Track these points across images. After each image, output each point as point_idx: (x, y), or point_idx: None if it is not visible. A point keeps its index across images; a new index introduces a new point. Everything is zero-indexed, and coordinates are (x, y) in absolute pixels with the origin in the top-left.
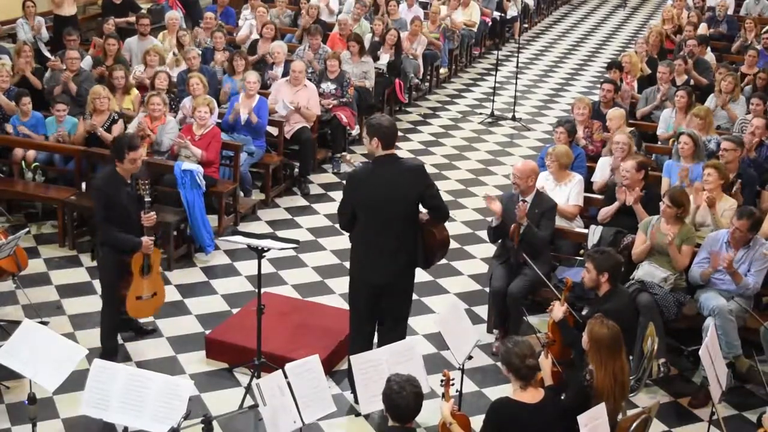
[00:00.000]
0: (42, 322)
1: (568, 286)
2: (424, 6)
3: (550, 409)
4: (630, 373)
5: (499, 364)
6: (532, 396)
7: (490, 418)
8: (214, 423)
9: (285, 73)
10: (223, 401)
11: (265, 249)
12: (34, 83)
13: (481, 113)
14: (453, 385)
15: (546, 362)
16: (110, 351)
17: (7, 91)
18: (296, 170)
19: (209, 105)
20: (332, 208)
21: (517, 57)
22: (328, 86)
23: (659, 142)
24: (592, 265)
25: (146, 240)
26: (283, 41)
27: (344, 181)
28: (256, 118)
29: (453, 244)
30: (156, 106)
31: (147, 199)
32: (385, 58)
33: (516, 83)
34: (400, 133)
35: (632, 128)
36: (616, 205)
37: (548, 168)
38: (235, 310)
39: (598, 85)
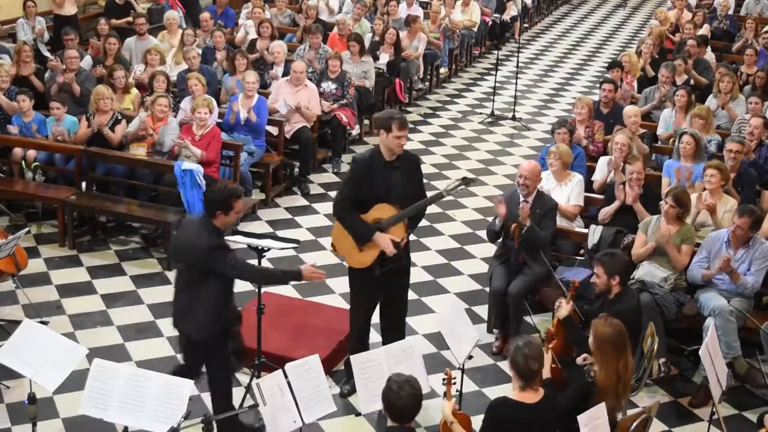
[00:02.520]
0: (42, 322)
1: (575, 287)
2: (425, 6)
3: (549, 409)
4: (632, 370)
5: (500, 363)
6: (532, 396)
7: (489, 418)
8: (214, 423)
9: (285, 73)
10: None
11: (266, 249)
12: (36, 85)
13: (481, 113)
14: (454, 384)
15: (546, 357)
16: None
17: (8, 91)
18: (296, 170)
19: (209, 105)
20: (332, 208)
21: (517, 57)
22: (329, 86)
23: (659, 142)
24: (602, 270)
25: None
26: (283, 41)
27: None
28: (255, 116)
29: (453, 244)
30: (163, 107)
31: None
32: (384, 57)
33: (516, 83)
34: None
35: (645, 130)
36: (616, 204)
37: (551, 167)
38: None
39: (598, 85)
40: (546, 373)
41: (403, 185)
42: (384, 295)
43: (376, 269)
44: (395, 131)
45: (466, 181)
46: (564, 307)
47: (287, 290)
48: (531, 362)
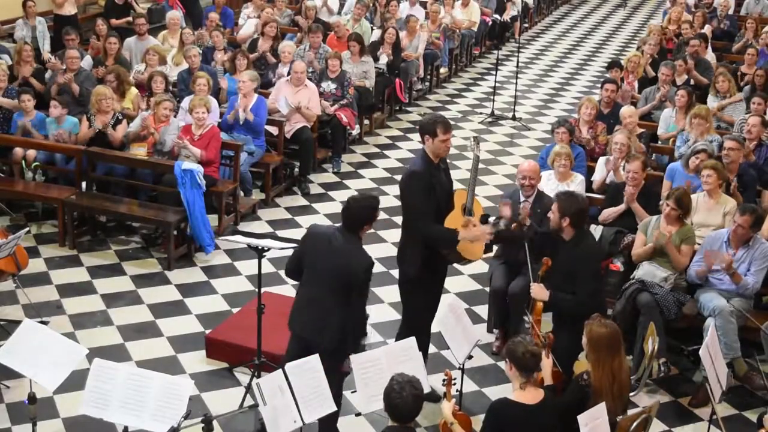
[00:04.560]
0: (42, 322)
1: (547, 266)
2: (426, 6)
3: (549, 410)
4: (630, 372)
5: (500, 363)
6: (532, 397)
7: (490, 419)
8: (215, 423)
9: (290, 73)
10: (223, 401)
11: (266, 248)
12: (36, 87)
13: (481, 113)
14: (454, 384)
15: (547, 362)
16: None
17: (7, 90)
18: (296, 170)
19: (206, 105)
20: (332, 207)
21: (517, 57)
22: (329, 85)
23: (659, 142)
24: (556, 207)
25: None
26: (290, 42)
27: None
28: (252, 115)
29: None
30: (168, 110)
31: None
32: (384, 57)
33: (516, 83)
34: (399, 133)
35: (643, 129)
36: (621, 207)
37: (562, 168)
38: (235, 310)
39: (598, 85)
40: (548, 379)
41: (448, 184)
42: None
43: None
44: (441, 135)
45: (477, 140)
46: (539, 290)
47: (287, 290)
48: (531, 351)
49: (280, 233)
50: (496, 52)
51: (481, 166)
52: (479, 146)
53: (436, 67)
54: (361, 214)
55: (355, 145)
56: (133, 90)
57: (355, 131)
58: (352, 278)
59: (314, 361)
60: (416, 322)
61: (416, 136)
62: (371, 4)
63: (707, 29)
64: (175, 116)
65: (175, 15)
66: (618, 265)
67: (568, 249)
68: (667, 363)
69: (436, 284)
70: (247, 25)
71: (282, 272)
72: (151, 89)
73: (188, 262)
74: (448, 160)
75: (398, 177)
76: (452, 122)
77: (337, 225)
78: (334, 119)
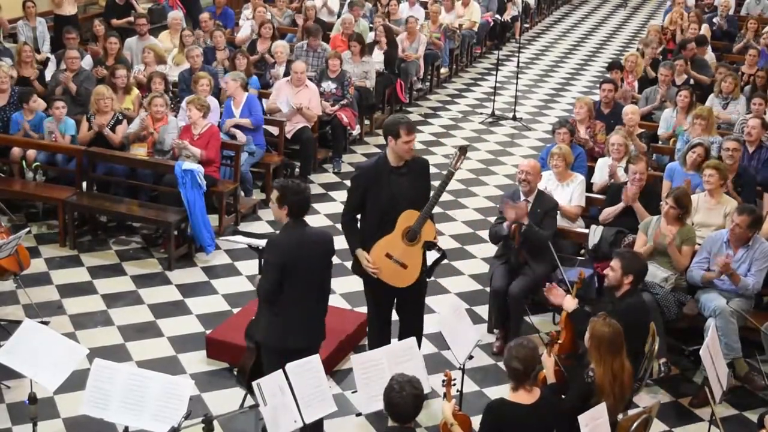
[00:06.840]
0: (43, 322)
1: (581, 280)
2: (426, 6)
3: (546, 409)
4: (632, 373)
5: (500, 364)
6: (529, 396)
7: (487, 419)
8: (215, 423)
9: (287, 73)
10: (223, 401)
11: None
12: (37, 89)
13: (481, 113)
14: (454, 385)
15: (549, 361)
16: None
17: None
18: (297, 170)
19: (202, 106)
20: (333, 207)
21: (518, 57)
22: (329, 85)
23: (660, 142)
24: (619, 264)
25: None
26: (284, 41)
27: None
28: (248, 121)
29: (454, 244)
30: (159, 107)
31: None
32: (378, 55)
33: (516, 83)
34: None
35: (643, 130)
36: (620, 206)
37: (555, 168)
38: (235, 310)
39: (598, 85)
40: (551, 377)
41: (410, 191)
42: (400, 298)
43: (426, 276)
44: (404, 136)
45: (463, 150)
46: (570, 302)
47: None
48: (514, 362)
49: None
50: (496, 52)
51: (459, 183)
52: (461, 160)
53: (437, 67)
54: (306, 200)
55: (355, 145)
56: (135, 90)
57: (356, 131)
58: (333, 253)
59: (314, 361)
60: (369, 311)
61: (417, 136)
62: (372, 4)
63: (704, 29)
64: (175, 116)
65: (177, 15)
66: None
67: (617, 304)
68: (668, 363)
69: (382, 291)
70: (245, 26)
71: None
72: (151, 90)
73: (189, 262)
74: (448, 161)
75: None
76: (453, 122)
77: (288, 225)
78: (334, 119)
